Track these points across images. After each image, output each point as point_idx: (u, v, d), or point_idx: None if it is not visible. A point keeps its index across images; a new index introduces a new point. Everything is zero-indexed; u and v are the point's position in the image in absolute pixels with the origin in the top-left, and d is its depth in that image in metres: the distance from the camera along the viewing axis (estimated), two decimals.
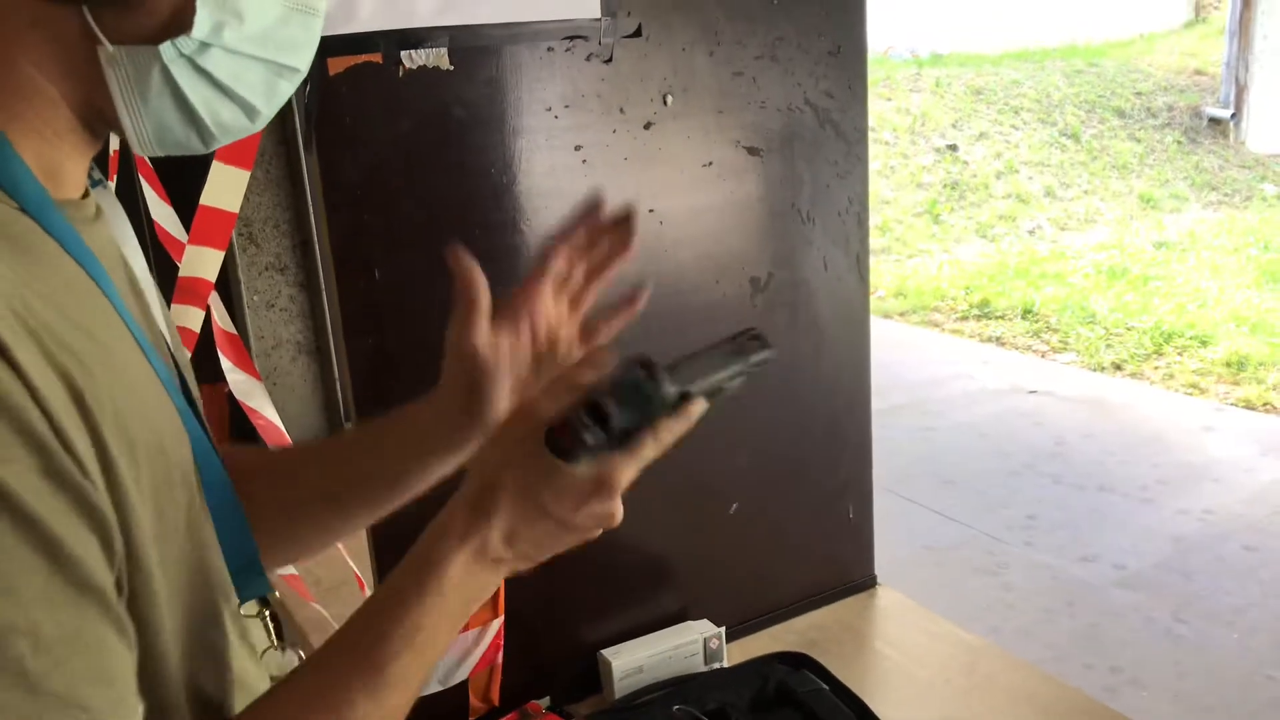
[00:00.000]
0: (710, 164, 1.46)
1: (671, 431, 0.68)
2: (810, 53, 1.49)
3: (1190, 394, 5.54)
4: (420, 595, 0.66)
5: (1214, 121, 10.54)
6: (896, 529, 4.03)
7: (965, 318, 7.09)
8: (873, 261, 6.21)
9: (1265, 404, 5.29)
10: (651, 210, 1.42)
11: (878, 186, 9.29)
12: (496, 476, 0.68)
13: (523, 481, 0.67)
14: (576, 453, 0.66)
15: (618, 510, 0.68)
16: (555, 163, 1.32)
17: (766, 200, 1.52)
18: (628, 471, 0.67)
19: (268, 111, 0.66)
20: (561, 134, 1.32)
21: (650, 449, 0.67)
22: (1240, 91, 10.38)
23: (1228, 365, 5.74)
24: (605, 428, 0.65)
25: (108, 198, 0.69)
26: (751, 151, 1.49)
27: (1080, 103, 10.88)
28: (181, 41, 0.59)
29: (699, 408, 0.69)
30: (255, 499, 0.76)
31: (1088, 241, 8.67)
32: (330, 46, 1.19)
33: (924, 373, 6.00)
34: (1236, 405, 5.33)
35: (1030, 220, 9.24)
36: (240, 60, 0.62)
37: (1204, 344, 6.04)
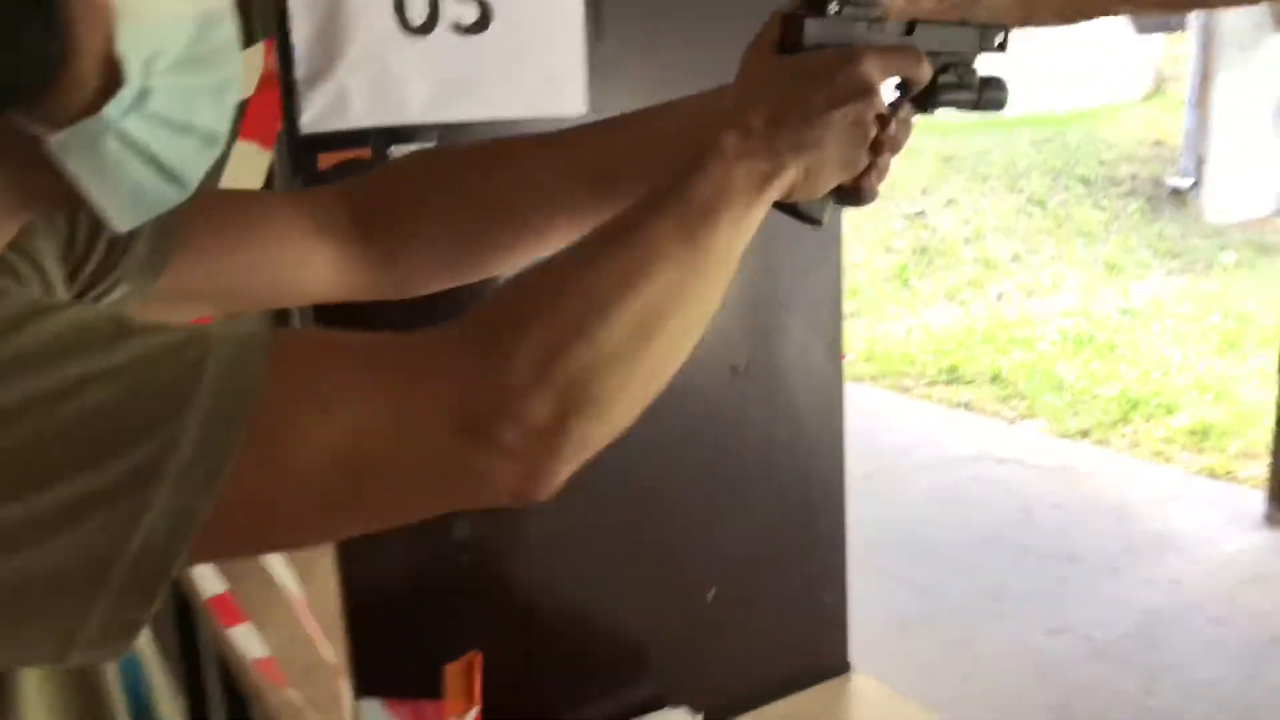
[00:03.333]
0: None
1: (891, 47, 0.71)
2: None
3: (1156, 462, 5.61)
4: (697, 174, 0.64)
5: (1175, 191, 10.81)
6: (867, 602, 4.02)
7: (934, 383, 7.16)
8: (843, 325, 6.27)
9: (1228, 473, 5.36)
10: None
11: (848, 249, 9.41)
12: (742, 93, 0.70)
13: (771, 80, 0.68)
14: (800, 33, 0.68)
15: (875, 103, 0.69)
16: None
17: (747, 290, 1.55)
18: (869, 60, 0.68)
19: (223, 131, 0.64)
20: None
21: (880, 51, 0.70)
22: (1200, 163, 10.66)
23: (1192, 433, 5.83)
24: (822, 10, 0.69)
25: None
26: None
27: (1046, 171, 11.13)
28: (121, 95, 0.56)
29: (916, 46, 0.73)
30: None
31: (1054, 307, 8.81)
32: (321, 142, 1.22)
33: (894, 439, 6.04)
34: (1201, 474, 5.40)
35: (997, 285, 9.39)
36: (183, 88, 0.59)
37: (1169, 412, 6.13)
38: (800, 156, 0.67)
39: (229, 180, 1.48)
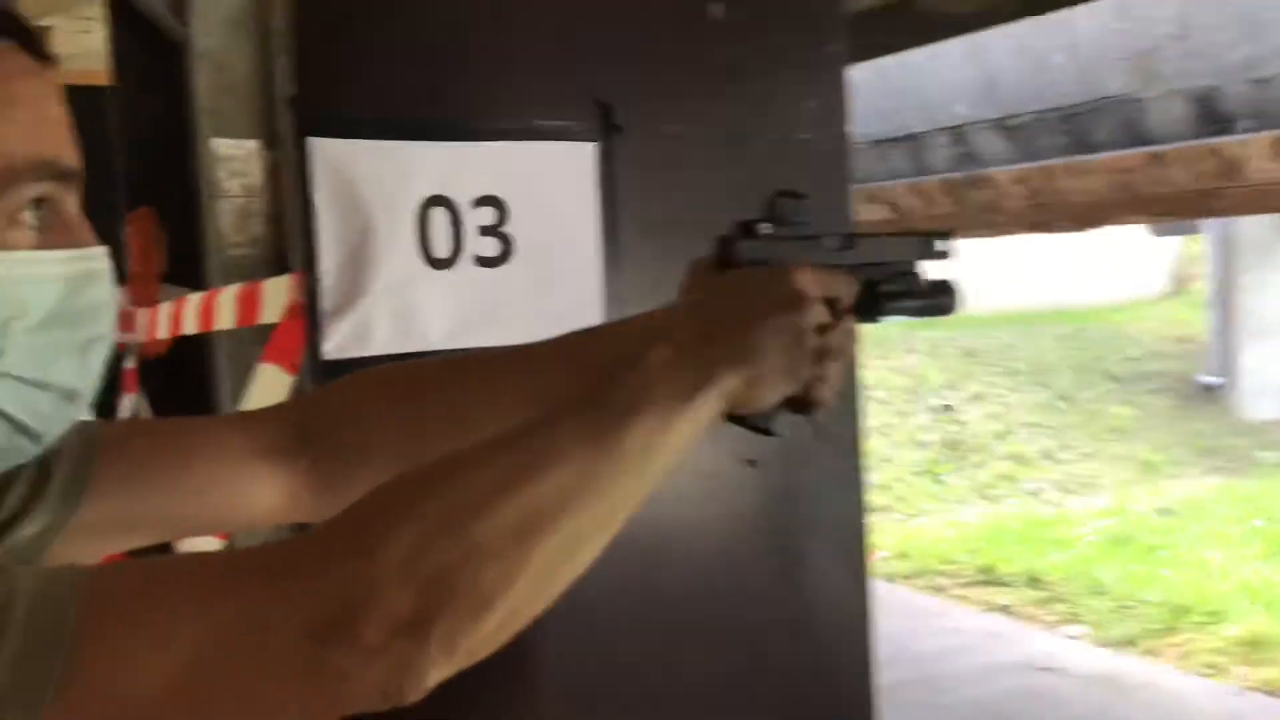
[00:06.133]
0: (703, 475, 1.48)
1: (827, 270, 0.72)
2: None
3: (1209, 674, 5.33)
4: (614, 382, 0.64)
5: (1207, 388, 10.76)
6: None
7: (971, 584, 6.95)
8: (874, 520, 6.15)
9: None
10: (643, 525, 1.43)
11: (876, 444, 9.37)
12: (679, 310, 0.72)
13: (706, 296, 0.70)
14: (737, 249, 0.71)
15: (811, 313, 0.69)
16: None
17: (766, 512, 1.53)
18: (800, 273, 0.69)
19: (85, 388, 0.63)
20: None
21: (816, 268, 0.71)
22: (1229, 360, 10.66)
23: (1245, 645, 5.56)
24: (751, 234, 0.72)
25: None
26: (749, 463, 1.51)
27: (1073, 366, 11.16)
28: None
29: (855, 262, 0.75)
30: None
31: (1090, 506, 8.63)
32: (342, 368, 1.24)
33: (931, 644, 5.80)
34: (1258, 688, 5.11)
35: (1030, 481, 9.25)
36: (43, 346, 0.59)
37: (1218, 620, 5.87)
38: (736, 368, 0.67)
39: (254, 400, 1.51)
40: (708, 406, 0.67)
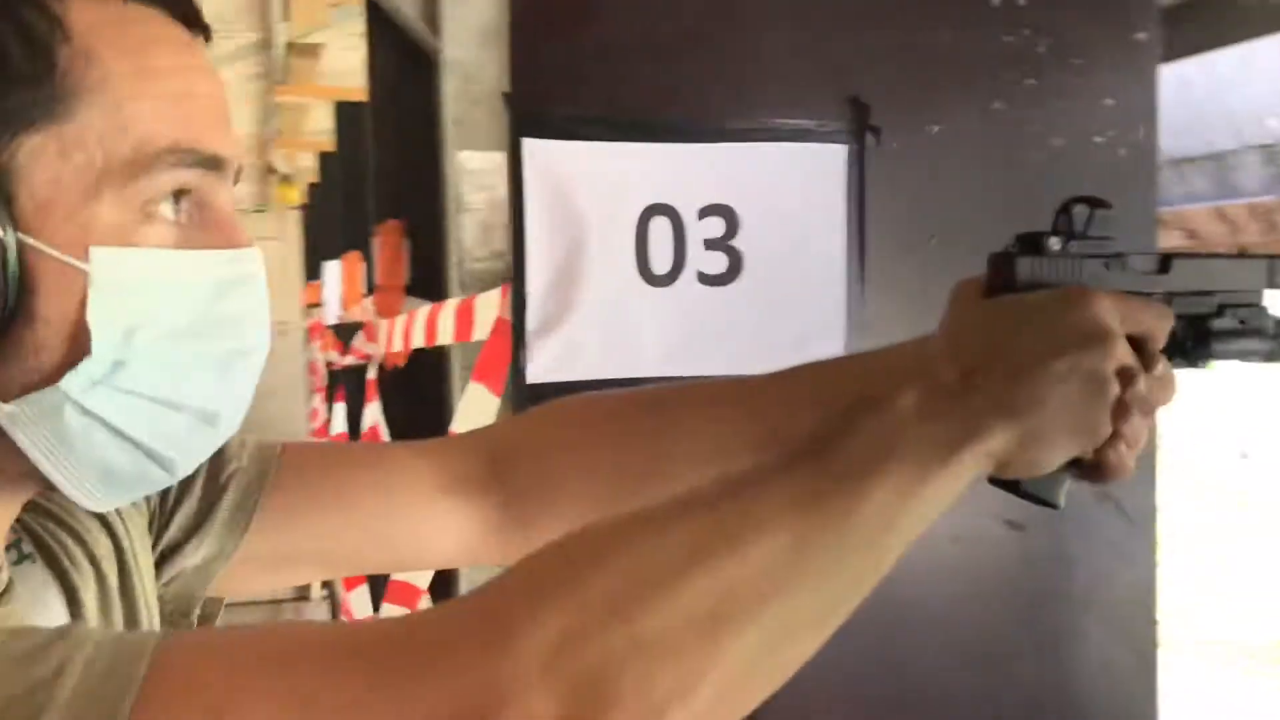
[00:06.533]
0: (958, 539, 1.26)
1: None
2: None
3: None
4: (848, 432, 0.52)
5: None
6: None
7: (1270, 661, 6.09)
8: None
9: None
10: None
11: (1163, 495, 8.46)
12: (941, 344, 0.58)
13: (976, 328, 0.57)
14: (1013, 273, 0.57)
15: (1113, 353, 0.54)
16: None
17: (1029, 584, 1.29)
18: (1099, 302, 0.54)
19: (228, 409, 0.54)
20: None
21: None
22: None
23: None
24: (1037, 249, 0.58)
25: (32, 575, 0.59)
26: (1012, 525, 1.28)
27: None
28: (85, 367, 0.49)
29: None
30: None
31: None
32: (548, 392, 1.13)
33: None
34: None
35: None
36: (174, 362, 0.51)
37: None
38: (1010, 420, 0.53)
39: (463, 420, 1.44)
40: (968, 469, 0.53)
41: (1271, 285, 0.65)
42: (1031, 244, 0.59)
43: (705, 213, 1.14)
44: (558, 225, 1.09)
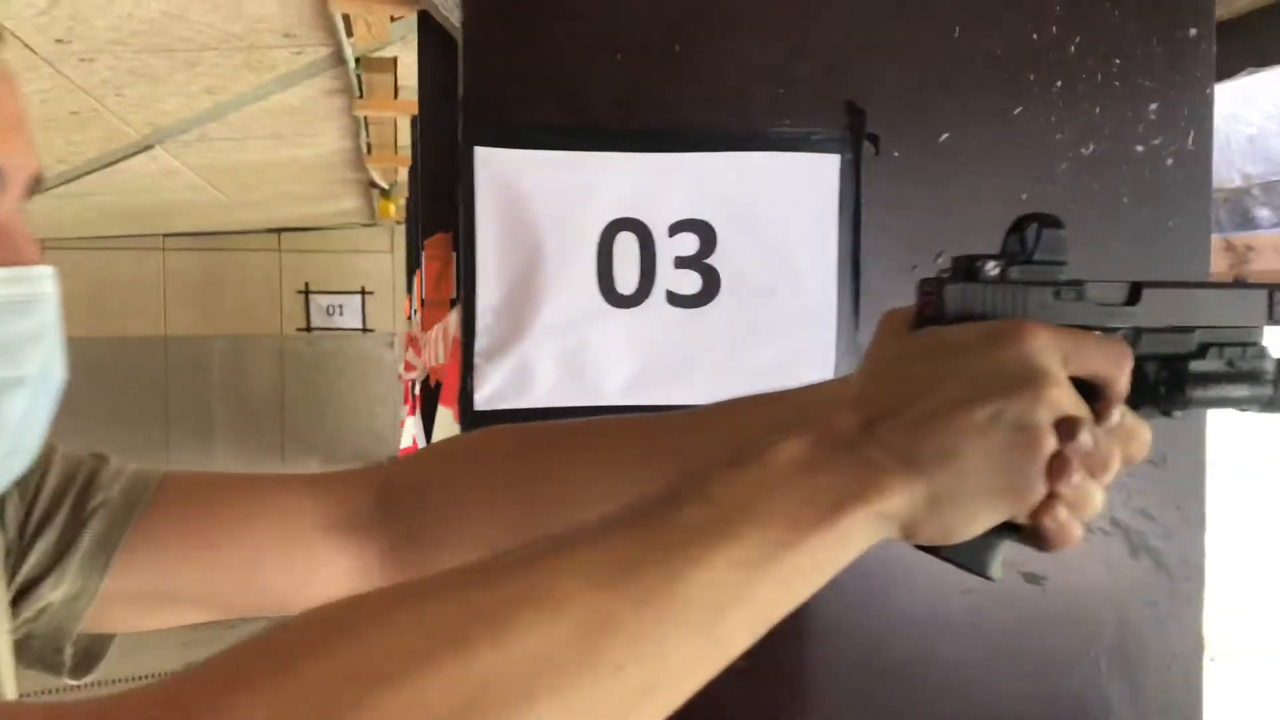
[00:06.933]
0: (969, 591, 1.13)
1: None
2: None
3: None
4: (693, 487, 0.44)
5: None
6: None
7: None
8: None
9: None
10: (877, 654, 1.11)
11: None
12: (856, 382, 0.50)
13: (892, 365, 0.49)
14: (941, 302, 0.49)
15: (1049, 398, 0.45)
16: None
17: (1047, 641, 1.15)
18: (1037, 336, 0.46)
19: (13, 442, 0.51)
20: None
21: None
22: None
23: None
24: (970, 275, 0.49)
25: None
26: (1029, 579, 1.15)
27: None
28: None
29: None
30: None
31: None
32: (495, 421, 1.06)
33: None
34: None
35: None
36: None
37: None
38: (912, 477, 0.45)
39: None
40: (857, 534, 0.45)
41: (1272, 321, 0.54)
42: (965, 269, 0.50)
43: (677, 228, 1.05)
44: (512, 239, 1.01)
